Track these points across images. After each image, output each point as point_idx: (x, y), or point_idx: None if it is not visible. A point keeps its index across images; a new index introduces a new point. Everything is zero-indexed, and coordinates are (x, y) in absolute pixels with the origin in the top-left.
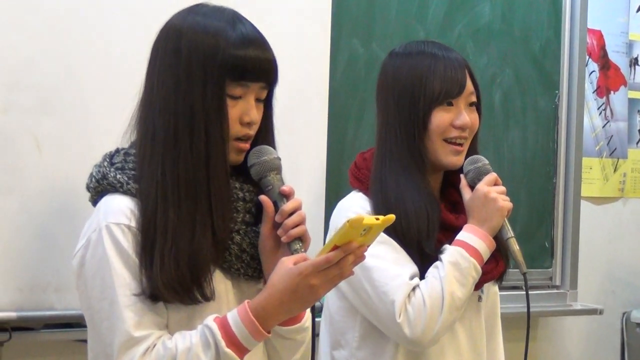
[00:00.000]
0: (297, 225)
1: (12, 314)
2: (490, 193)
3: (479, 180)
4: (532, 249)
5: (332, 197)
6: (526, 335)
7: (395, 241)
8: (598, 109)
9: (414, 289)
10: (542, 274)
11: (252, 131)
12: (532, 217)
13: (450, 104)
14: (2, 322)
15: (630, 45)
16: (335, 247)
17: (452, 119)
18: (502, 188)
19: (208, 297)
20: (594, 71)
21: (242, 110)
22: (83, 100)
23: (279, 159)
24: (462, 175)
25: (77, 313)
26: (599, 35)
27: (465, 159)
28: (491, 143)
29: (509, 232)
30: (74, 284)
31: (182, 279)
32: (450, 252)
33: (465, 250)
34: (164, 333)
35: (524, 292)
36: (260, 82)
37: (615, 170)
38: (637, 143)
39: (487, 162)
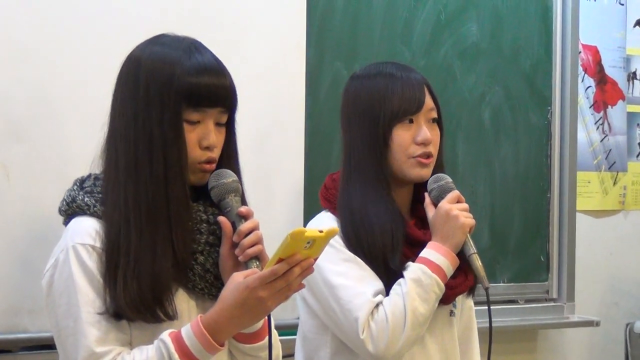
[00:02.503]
0: (253, 245)
1: None
2: (452, 210)
3: (442, 198)
4: (527, 263)
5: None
6: (488, 350)
7: (361, 257)
8: (595, 123)
9: (377, 305)
10: (538, 287)
11: (214, 154)
12: (526, 231)
13: (411, 121)
14: None
15: (627, 59)
16: (280, 260)
17: (413, 136)
18: (465, 205)
19: (171, 316)
20: (590, 86)
21: (201, 135)
22: (51, 129)
23: (238, 181)
24: (426, 194)
25: (51, 335)
26: (594, 51)
27: (431, 175)
28: (482, 159)
29: (472, 249)
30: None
31: (144, 298)
32: (412, 269)
33: (428, 267)
34: (124, 349)
35: (518, 306)
36: (218, 107)
37: (615, 184)
38: (638, 156)
39: (450, 180)
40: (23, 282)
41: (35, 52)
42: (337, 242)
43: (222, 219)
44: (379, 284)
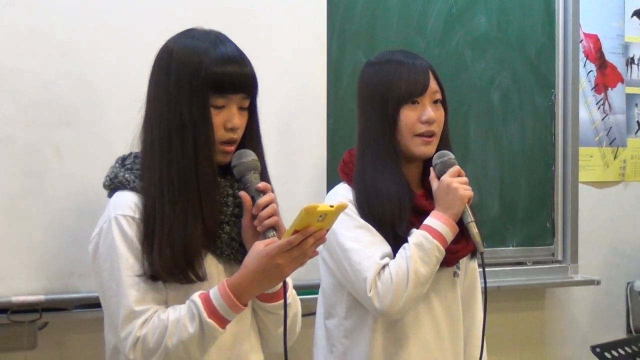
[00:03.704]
0: (270, 217)
1: (42, 297)
2: (452, 183)
3: (445, 172)
4: (534, 229)
5: None
6: (484, 307)
7: (372, 224)
8: (597, 103)
9: (383, 267)
10: (544, 250)
11: (236, 135)
12: (533, 201)
13: (416, 102)
14: (34, 304)
15: (626, 46)
16: (296, 232)
17: (419, 115)
18: (465, 179)
19: (201, 278)
20: (591, 71)
21: (226, 118)
22: (97, 114)
23: (257, 160)
24: (431, 168)
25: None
26: (595, 39)
27: (437, 152)
28: (491, 138)
29: (470, 217)
30: None
31: (177, 263)
32: (415, 235)
33: (430, 233)
34: (161, 307)
35: (526, 267)
36: (240, 94)
37: (615, 158)
38: (636, 133)
39: (452, 156)
40: (74, 249)
41: (80, 48)
42: (352, 210)
43: (242, 193)
44: (386, 248)
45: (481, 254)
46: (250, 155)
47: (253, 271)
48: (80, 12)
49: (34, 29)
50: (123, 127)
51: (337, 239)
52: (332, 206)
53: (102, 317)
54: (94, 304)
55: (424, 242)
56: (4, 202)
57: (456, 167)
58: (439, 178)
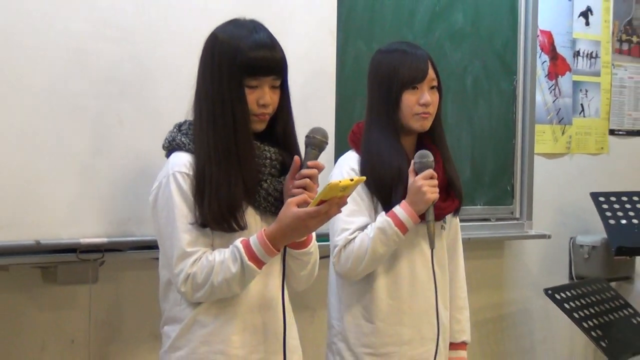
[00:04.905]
0: (299, 188)
1: (104, 240)
2: (423, 187)
3: (421, 171)
4: (497, 191)
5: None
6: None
7: (374, 186)
8: (549, 88)
9: (351, 241)
10: (505, 209)
11: (268, 110)
12: (497, 168)
13: (416, 88)
14: (98, 245)
15: (574, 41)
16: (322, 201)
17: (418, 99)
18: (434, 182)
19: (242, 227)
20: (545, 61)
21: (258, 96)
22: (150, 90)
23: (325, 141)
24: (412, 162)
25: (151, 239)
26: (549, 35)
27: (428, 128)
28: (465, 116)
29: (430, 216)
30: (148, 217)
31: (223, 214)
32: (380, 220)
33: (393, 221)
34: (208, 250)
35: (490, 223)
36: (271, 76)
37: (563, 134)
38: (580, 113)
39: (431, 158)
40: (131, 200)
41: (139, 34)
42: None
43: (296, 158)
44: (363, 219)
45: (431, 250)
46: (323, 136)
47: (286, 227)
48: (141, 3)
49: (102, 17)
50: (172, 101)
51: None
52: (352, 180)
53: (151, 258)
54: (146, 246)
55: (387, 227)
56: (77, 160)
57: (429, 171)
58: (416, 173)
